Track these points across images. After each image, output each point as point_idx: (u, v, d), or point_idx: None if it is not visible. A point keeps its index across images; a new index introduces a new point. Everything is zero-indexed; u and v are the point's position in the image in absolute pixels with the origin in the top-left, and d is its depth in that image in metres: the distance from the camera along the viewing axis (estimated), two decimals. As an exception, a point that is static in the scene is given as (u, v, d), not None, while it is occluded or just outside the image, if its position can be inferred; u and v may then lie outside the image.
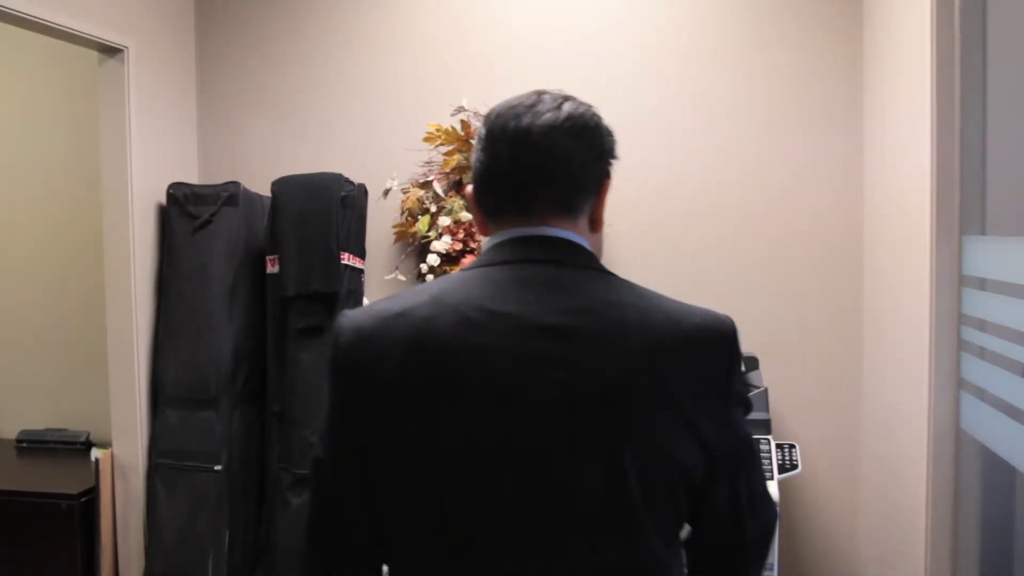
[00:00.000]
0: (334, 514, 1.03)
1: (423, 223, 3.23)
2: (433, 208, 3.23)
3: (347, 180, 3.14)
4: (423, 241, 3.24)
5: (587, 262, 1.03)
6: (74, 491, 3.15)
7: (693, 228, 3.15)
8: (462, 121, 3.18)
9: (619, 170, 1.09)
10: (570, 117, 1.02)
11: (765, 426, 2.70)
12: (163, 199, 3.27)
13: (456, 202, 3.20)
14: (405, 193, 3.27)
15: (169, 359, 3.20)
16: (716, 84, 3.10)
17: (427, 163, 3.28)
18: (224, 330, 3.15)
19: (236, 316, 3.19)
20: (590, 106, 1.07)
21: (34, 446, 3.76)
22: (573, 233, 1.03)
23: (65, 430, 3.78)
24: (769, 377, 2.94)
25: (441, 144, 3.21)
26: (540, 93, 1.05)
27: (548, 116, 1.01)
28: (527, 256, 1.01)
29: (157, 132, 3.29)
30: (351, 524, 1.02)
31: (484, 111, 3.01)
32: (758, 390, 2.80)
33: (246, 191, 3.24)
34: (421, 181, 3.26)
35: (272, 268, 3.12)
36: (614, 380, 0.94)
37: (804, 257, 3.06)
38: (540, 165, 1.01)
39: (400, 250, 3.34)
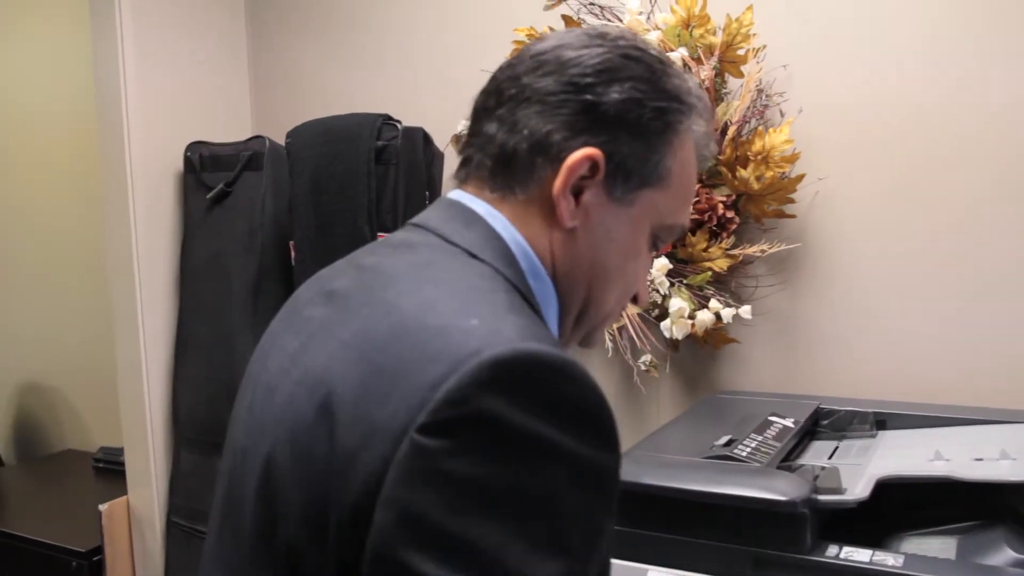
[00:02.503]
0: None
1: (514, 186, 2.06)
2: (529, 162, 2.05)
3: (388, 121, 2.04)
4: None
5: (453, 236, 0.71)
6: (83, 547, 2.41)
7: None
8: (564, 18, 1.95)
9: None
10: (543, 52, 0.74)
11: None
12: (182, 165, 2.40)
13: (566, 151, 2.00)
14: (494, 141, 2.12)
15: (184, 383, 2.35)
16: None
17: (526, 92, 2.10)
18: (245, 345, 2.23)
19: (262, 325, 2.22)
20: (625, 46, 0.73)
21: (110, 466, 3.15)
22: (484, 203, 0.74)
23: (141, 450, 3.13)
24: None
25: (539, 59, 2.01)
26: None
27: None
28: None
29: (177, 71, 2.41)
30: None
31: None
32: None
33: (275, 148, 2.27)
34: (510, 120, 2.10)
35: (295, 258, 2.14)
36: None
37: None
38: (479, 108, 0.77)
39: (486, 228, 2.20)
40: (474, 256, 0.70)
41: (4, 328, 3.59)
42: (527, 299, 0.70)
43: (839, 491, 1.33)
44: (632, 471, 1.38)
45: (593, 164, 0.71)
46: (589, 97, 0.71)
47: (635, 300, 0.83)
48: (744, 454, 1.42)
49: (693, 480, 1.33)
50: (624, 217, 0.75)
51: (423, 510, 0.53)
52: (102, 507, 2.41)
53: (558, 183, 0.71)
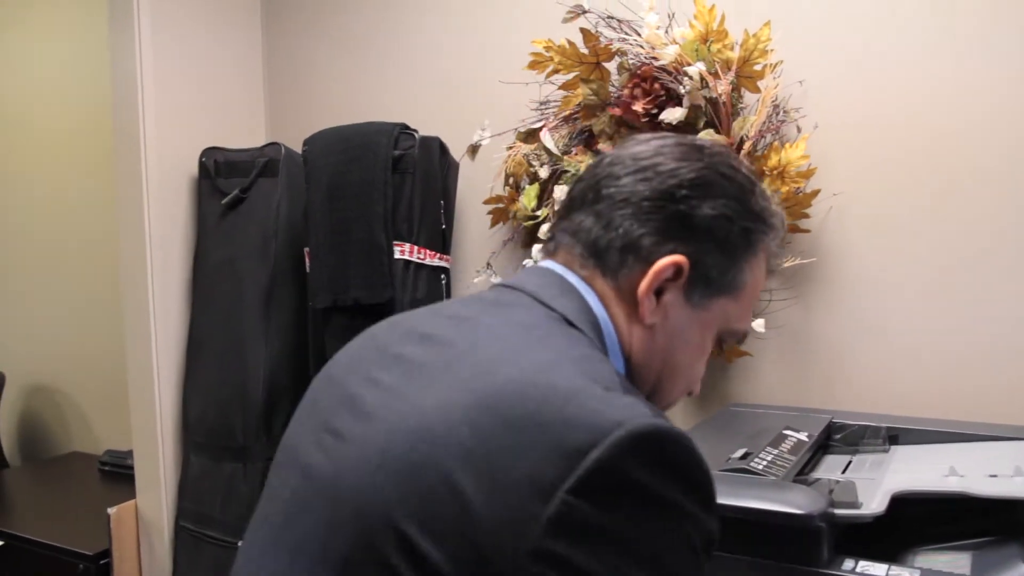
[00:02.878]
0: None
1: (528, 196, 2.08)
2: (544, 172, 2.06)
3: (405, 131, 2.06)
4: (529, 224, 2.09)
5: (552, 302, 0.76)
6: (90, 550, 2.41)
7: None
8: (583, 32, 1.97)
9: None
10: (643, 157, 0.80)
11: None
12: (197, 170, 2.41)
13: (581, 162, 2.01)
14: (509, 150, 2.13)
15: (194, 387, 2.36)
16: None
17: (542, 104, 2.12)
18: (257, 351, 2.24)
19: (274, 332, 2.26)
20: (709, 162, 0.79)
21: (116, 470, 3.15)
22: (576, 277, 0.79)
23: (148, 454, 3.13)
24: None
25: (556, 71, 2.03)
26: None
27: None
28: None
29: (192, 77, 2.43)
30: None
31: (619, 12, 1.69)
32: None
33: (291, 155, 2.29)
34: (526, 130, 2.11)
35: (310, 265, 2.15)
36: None
37: None
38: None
39: (500, 237, 2.21)
40: (571, 324, 0.75)
41: (12, 329, 3.59)
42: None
43: (856, 505, 1.34)
44: (649, 483, 1.39)
45: (678, 269, 0.77)
46: (683, 208, 0.77)
47: (690, 393, 0.89)
48: (760, 467, 1.43)
49: (710, 493, 1.34)
50: (697, 320, 0.81)
51: (581, 563, 0.60)
52: (110, 510, 2.41)
53: (644, 283, 0.77)
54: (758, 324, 1.83)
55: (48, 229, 3.42)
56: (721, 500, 1.29)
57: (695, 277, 0.78)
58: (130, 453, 3.14)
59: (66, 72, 3.26)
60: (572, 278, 0.80)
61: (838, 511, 1.30)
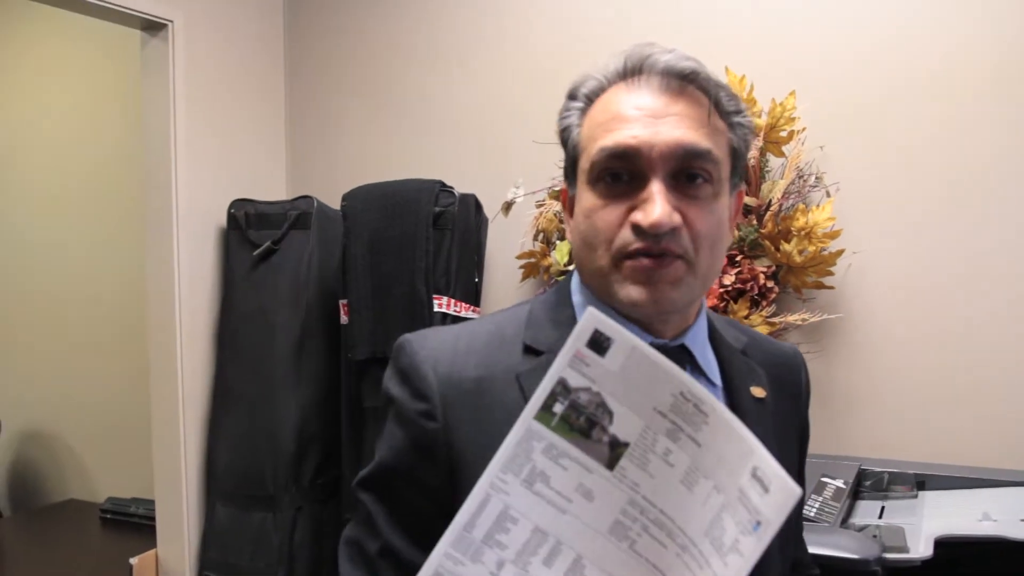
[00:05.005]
0: None
1: (561, 251, 2.16)
2: (575, 229, 2.15)
3: (444, 188, 2.14)
4: (561, 278, 2.17)
5: None
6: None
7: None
8: (616, 96, 2.08)
9: None
10: None
11: None
12: (225, 221, 2.46)
13: (610, 219, 2.11)
14: (539, 207, 2.22)
15: (222, 437, 2.38)
16: None
17: (570, 162, 2.22)
18: (287, 401, 2.28)
19: (305, 381, 2.30)
20: None
21: (117, 517, 3.12)
22: None
23: (152, 502, 3.11)
24: None
25: (587, 133, 2.13)
26: None
27: None
28: None
29: (222, 131, 2.49)
30: None
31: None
32: None
33: (322, 209, 2.35)
34: (557, 189, 2.20)
35: (345, 317, 2.20)
36: None
37: None
38: None
39: (531, 291, 2.30)
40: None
41: (8, 375, 3.55)
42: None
43: (905, 549, 1.43)
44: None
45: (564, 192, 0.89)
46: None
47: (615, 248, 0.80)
48: (812, 514, 1.52)
49: (771, 539, 1.42)
50: (577, 195, 0.86)
51: None
52: (133, 561, 2.40)
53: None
54: (787, 375, 1.93)
55: (48, 274, 3.41)
56: (782, 546, 1.38)
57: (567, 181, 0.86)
58: (133, 501, 3.14)
59: (80, 116, 3.28)
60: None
61: (890, 555, 1.39)
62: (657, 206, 0.74)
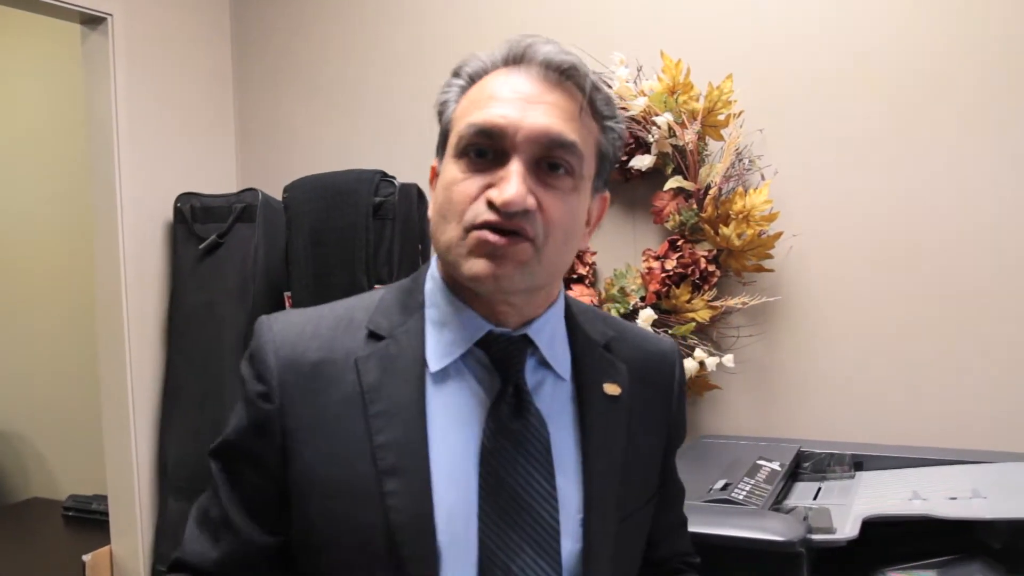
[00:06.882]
0: None
1: (504, 239, 2.16)
2: (519, 216, 2.15)
3: (385, 178, 2.13)
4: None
5: None
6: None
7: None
8: (555, 82, 2.07)
9: None
10: None
11: None
12: (172, 215, 2.44)
13: (554, 206, 2.10)
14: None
15: (173, 431, 2.37)
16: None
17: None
18: (236, 393, 2.26)
19: (253, 374, 2.28)
20: None
21: (80, 515, 3.11)
22: None
23: (113, 498, 3.10)
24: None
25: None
26: None
27: None
28: None
29: (166, 126, 2.46)
30: None
31: (589, 64, 1.98)
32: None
33: (268, 201, 2.34)
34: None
35: (289, 309, 2.19)
36: None
37: None
38: None
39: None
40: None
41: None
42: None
43: (831, 531, 1.43)
44: (638, 515, 1.47)
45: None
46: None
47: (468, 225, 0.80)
48: (741, 497, 1.52)
49: (697, 523, 1.42)
50: (444, 170, 0.86)
51: None
52: (85, 557, 2.39)
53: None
54: (728, 360, 1.94)
55: (7, 272, 3.38)
56: (707, 529, 1.40)
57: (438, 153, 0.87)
58: (95, 498, 3.13)
59: (39, 114, 3.26)
60: None
61: (815, 536, 1.39)
62: (512, 184, 0.75)
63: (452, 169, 0.80)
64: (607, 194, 0.90)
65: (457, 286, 0.85)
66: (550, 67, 0.80)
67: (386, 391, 0.81)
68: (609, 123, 0.85)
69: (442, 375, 0.83)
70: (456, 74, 0.86)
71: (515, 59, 0.82)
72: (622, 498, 0.87)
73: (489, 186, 0.77)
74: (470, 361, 0.84)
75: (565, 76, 0.81)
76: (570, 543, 0.82)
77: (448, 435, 0.81)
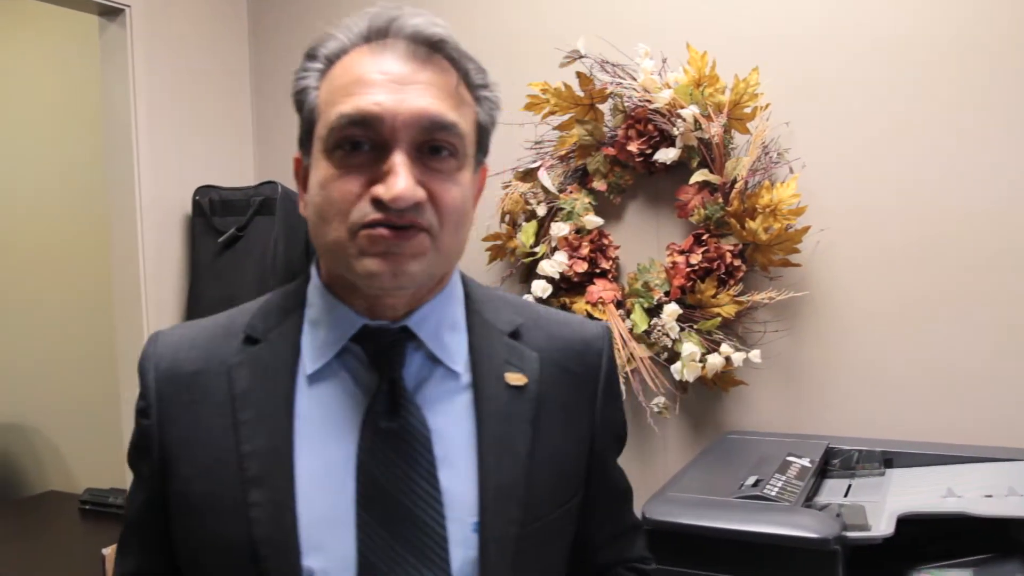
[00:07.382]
0: None
1: (527, 233, 2.14)
2: (542, 210, 2.13)
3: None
4: (528, 259, 2.15)
5: None
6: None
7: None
8: (579, 75, 2.05)
9: None
10: None
11: None
12: (190, 209, 2.43)
13: (577, 200, 2.09)
14: (505, 189, 2.19)
15: (191, 426, 2.35)
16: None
17: (536, 144, 2.19)
18: (256, 388, 2.25)
19: (273, 369, 2.27)
20: None
21: (96, 508, 3.10)
22: None
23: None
24: None
25: (551, 113, 2.10)
26: None
27: None
28: None
29: (184, 117, 2.45)
30: None
31: (613, 56, 1.83)
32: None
33: (287, 194, 2.32)
34: (523, 170, 2.18)
35: (310, 303, 2.17)
36: None
37: None
38: None
39: (497, 274, 2.27)
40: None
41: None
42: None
43: (866, 528, 1.41)
44: (669, 511, 1.46)
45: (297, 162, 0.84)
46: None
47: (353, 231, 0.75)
48: (773, 493, 1.50)
49: (730, 520, 1.41)
50: (313, 167, 0.80)
51: None
52: (105, 551, 2.38)
53: None
54: (755, 355, 1.92)
55: (20, 267, 3.38)
56: (739, 526, 1.38)
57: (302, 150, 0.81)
58: (112, 491, 3.12)
59: (56, 107, 3.25)
60: None
61: (850, 534, 1.38)
62: (400, 179, 0.70)
63: (325, 166, 0.74)
64: (486, 165, 0.85)
65: (334, 281, 0.80)
66: (419, 41, 0.75)
67: (255, 397, 0.77)
68: (484, 92, 0.80)
69: (317, 376, 0.79)
70: (311, 56, 0.80)
71: (378, 34, 0.76)
72: (527, 500, 0.79)
73: (373, 181, 0.72)
74: (350, 360, 0.79)
75: (435, 49, 0.75)
76: (462, 551, 0.76)
77: (320, 440, 0.77)
